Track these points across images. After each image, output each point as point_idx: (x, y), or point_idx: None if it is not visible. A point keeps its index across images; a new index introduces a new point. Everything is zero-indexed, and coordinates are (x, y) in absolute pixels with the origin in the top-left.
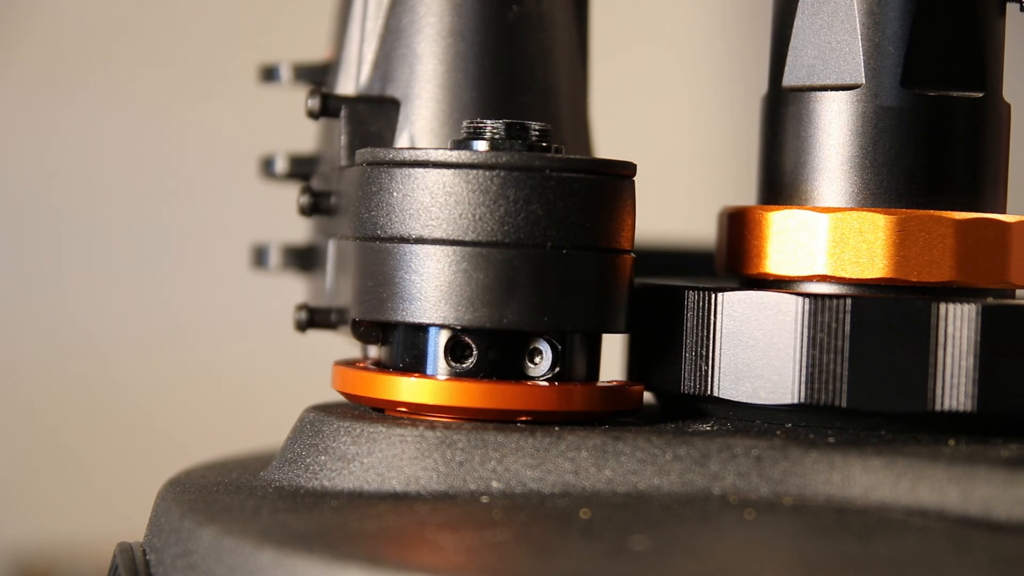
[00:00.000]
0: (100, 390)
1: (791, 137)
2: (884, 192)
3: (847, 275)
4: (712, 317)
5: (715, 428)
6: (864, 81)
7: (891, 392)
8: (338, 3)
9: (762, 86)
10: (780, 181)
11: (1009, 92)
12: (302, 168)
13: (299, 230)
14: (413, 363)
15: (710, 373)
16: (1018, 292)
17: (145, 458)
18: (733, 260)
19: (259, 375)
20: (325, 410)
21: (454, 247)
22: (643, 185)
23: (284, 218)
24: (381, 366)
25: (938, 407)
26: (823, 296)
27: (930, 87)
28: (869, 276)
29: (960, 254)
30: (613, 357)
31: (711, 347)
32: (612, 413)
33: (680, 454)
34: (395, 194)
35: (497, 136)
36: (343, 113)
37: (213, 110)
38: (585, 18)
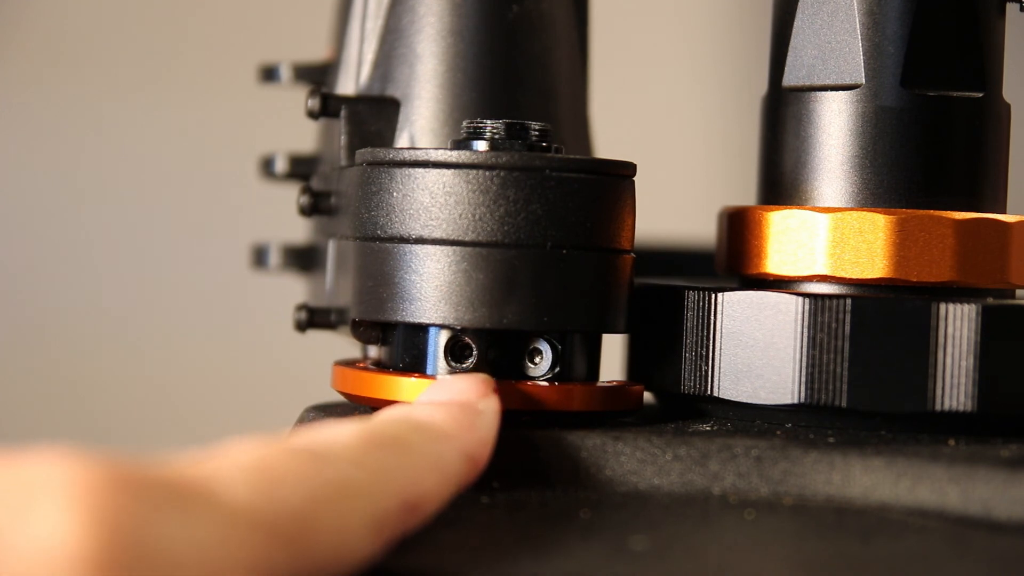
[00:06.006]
0: (100, 390)
1: (791, 137)
2: (884, 192)
3: (847, 275)
4: (712, 317)
5: (715, 428)
6: (864, 81)
7: (891, 392)
8: (338, 3)
9: (762, 86)
10: (780, 181)
11: (1009, 92)
12: (302, 168)
13: (299, 230)
14: (413, 363)
15: (710, 373)
16: (1018, 292)
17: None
18: (733, 260)
19: (259, 375)
20: (325, 410)
21: (454, 247)
22: (643, 185)
23: (284, 218)
24: (381, 366)
25: (938, 407)
26: (823, 296)
27: (930, 87)
28: (869, 276)
29: (960, 254)
30: (613, 357)
31: (711, 347)
32: (612, 413)
33: (680, 454)
34: (395, 194)
35: (497, 136)
36: (343, 113)
37: (213, 110)
38: (585, 18)
